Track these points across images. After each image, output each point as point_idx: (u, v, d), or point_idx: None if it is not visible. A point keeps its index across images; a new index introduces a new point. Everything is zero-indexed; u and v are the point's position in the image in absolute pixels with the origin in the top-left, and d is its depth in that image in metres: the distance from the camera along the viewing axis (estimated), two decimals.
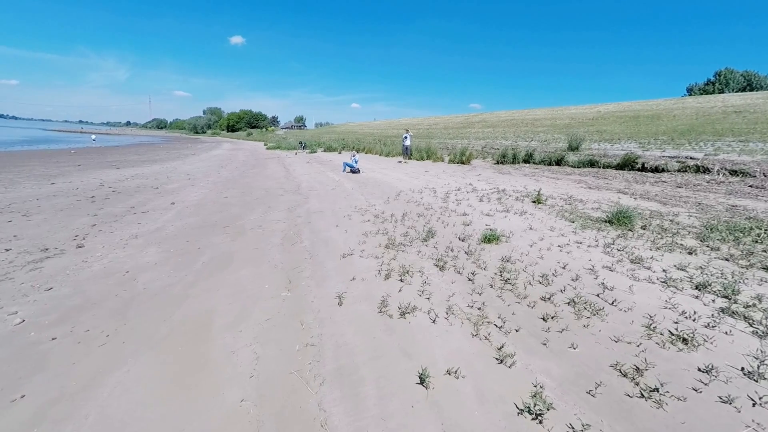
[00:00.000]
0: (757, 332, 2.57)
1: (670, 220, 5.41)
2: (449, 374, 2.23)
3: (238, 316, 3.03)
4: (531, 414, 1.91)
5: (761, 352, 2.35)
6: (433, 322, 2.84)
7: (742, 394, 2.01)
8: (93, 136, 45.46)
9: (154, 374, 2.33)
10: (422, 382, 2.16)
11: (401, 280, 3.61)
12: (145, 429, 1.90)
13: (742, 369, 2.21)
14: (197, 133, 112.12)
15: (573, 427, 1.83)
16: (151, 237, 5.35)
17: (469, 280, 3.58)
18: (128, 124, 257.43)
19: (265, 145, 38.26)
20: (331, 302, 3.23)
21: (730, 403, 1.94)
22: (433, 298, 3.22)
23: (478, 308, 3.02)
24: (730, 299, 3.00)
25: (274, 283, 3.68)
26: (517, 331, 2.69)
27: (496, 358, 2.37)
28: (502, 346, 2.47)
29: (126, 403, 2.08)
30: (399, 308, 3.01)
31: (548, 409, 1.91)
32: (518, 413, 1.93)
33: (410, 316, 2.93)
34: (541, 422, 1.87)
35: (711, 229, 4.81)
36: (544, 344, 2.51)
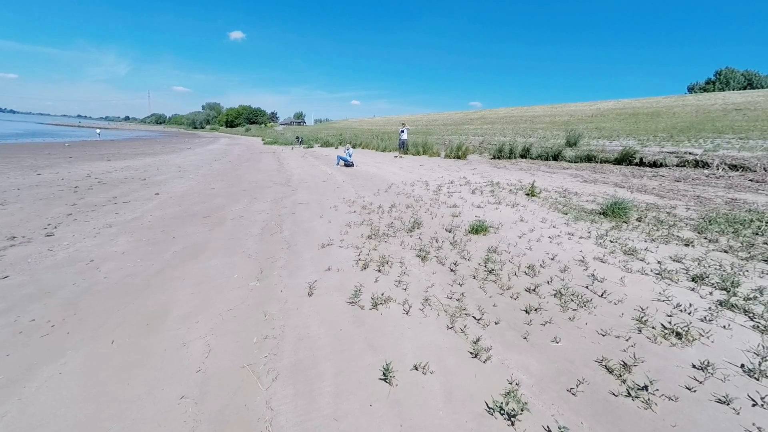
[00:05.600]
0: (758, 327, 2.34)
1: (667, 213, 5.17)
2: (416, 369, 2.01)
3: (198, 307, 2.81)
4: (503, 414, 1.69)
5: (763, 348, 2.12)
6: (407, 313, 2.61)
7: (742, 393, 1.79)
8: (98, 130, 41.60)
9: (91, 368, 2.10)
10: (385, 378, 1.94)
11: (379, 271, 3.38)
12: (64, 430, 1.68)
13: (742, 366, 1.99)
14: (196, 128, 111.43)
15: (549, 430, 1.61)
16: (125, 226, 5.12)
17: (451, 270, 3.35)
18: (127, 119, 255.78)
19: (262, 140, 37.92)
20: (300, 292, 3.01)
21: (728, 404, 1.72)
22: (410, 289, 3.00)
23: (457, 299, 2.80)
24: (728, 292, 2.77)
25: (245, 273, 3.46)
26: (496, 323, 2.47)
27: (471, 352, 2.15)
28: (478, 340, 2.24)
29: (52, 399, 1.86)
30: (372, 299, 2.78)
31: (522, 410, 1.69)
32: (488, 413, 1.71)
33: (383, 308, 2.70)
34: (513, 424, 1.64)
35: (709, 221, 4.58)
36: (525, 338, 2.29)
